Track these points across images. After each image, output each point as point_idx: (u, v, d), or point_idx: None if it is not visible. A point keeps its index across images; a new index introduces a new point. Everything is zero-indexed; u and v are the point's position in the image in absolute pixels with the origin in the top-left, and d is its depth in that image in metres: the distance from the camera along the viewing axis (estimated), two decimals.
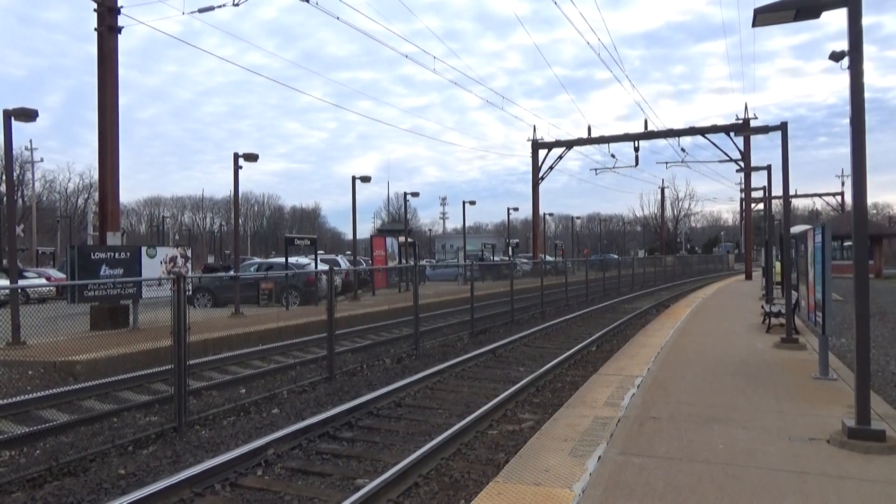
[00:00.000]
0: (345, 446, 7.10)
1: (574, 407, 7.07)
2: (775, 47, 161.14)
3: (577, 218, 80.00)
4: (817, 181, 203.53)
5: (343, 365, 11.80)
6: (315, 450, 6.91)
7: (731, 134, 38.21)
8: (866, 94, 5.60)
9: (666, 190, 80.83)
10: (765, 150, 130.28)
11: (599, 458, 5.23)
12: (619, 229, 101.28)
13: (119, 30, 15.99)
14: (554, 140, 45.65)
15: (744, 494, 4.45)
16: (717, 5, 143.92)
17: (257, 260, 34.95)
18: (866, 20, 5.57)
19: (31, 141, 55.88)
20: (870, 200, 6.06)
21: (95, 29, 15.84)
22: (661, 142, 44.20)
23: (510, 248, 52.77)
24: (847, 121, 5.60)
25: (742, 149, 39.22)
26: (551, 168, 46.31)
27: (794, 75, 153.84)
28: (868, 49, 5.68)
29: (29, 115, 13.73)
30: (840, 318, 15.31)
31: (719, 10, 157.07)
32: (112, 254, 14.70)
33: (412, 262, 30.86)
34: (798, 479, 4.71)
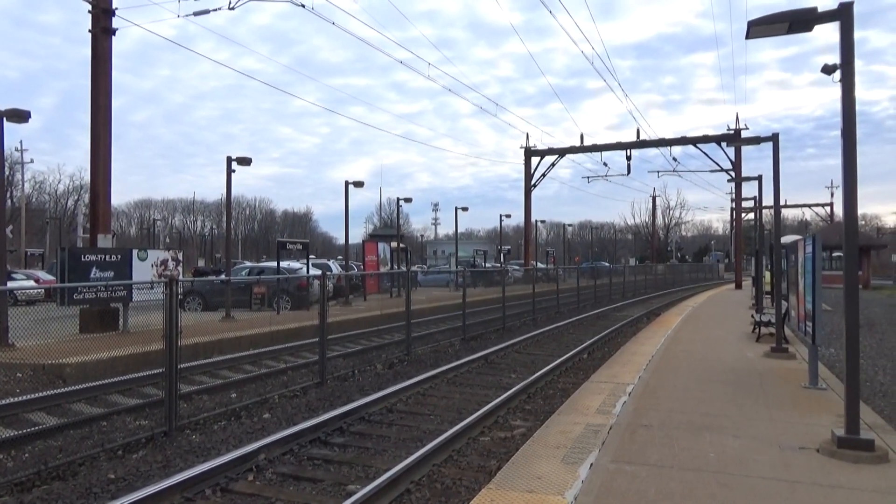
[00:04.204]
0: (336, 452, 7.08)
1: (566, 414, 7.08)
2: (764, 60, 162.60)
3: (569, 225, 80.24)
4: (805, 192, 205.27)
5: (335, 370, 11.77)
6: (307, 455, 6.89)
7: (723, 144, 38.50)
8: None
9: (657, 199, 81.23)
10: (754, 160, 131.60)
11: (591, 465, 5.24)
12: (611, 237, 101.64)
13: (113, 32, 15.95)
14: (546, 148, 45.84)
15: (735, 503, 4.47)
16: (707, 18, 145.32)
17: (248, 264, 34.77)
18: (854, 34, 5.64)
19: (21, 142, 55.56)
20: (858, 211, 6.15)
21: (90, 30, 15.79)
22: (653, 151, 44.60)
23: (502, 255, 52.84)
24: (838, 132, 5.67)
25: (733, 159, 39.53)
26: (543, 175, 46.50)
27: (783, 87, 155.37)
28: (855, 63, 5.76)
29: (21, 116, 13.64)
30: (829, 329, 15.42)
31: (708, 23, 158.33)
32: (102, 256, 14.61)
33: (404, 268, 30.86)
34: (789, 489, 4.74)
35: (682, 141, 41.15)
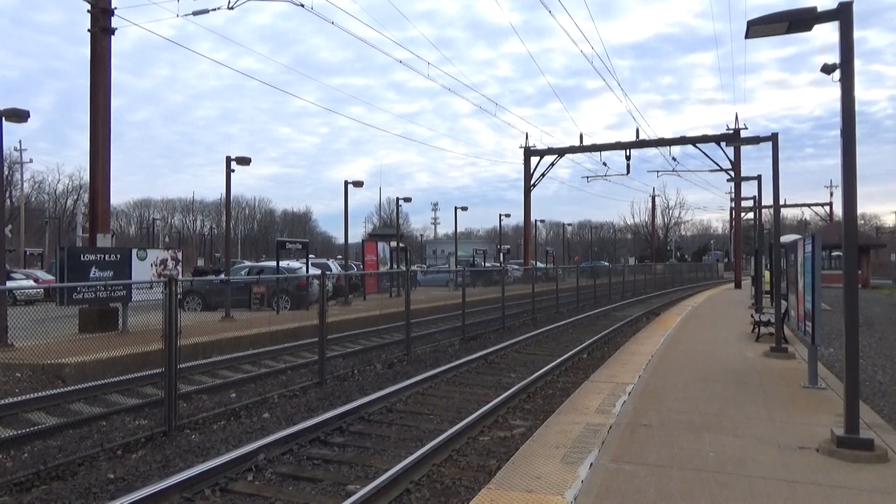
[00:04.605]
0: (336, 452, 7.08)
1: (565, 414, 7.08)
2: (762, 60, 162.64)
3: (568, 225, 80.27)
4: (805, 191, 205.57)
5: (334, 370, 11.77)
6: (306, 455, 6.88)
7: (722, 144, 38.52)
8: None
9: (656, 198, 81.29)
10: (753, 160, 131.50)
11: (591, 465, 5.24)
12: (610, 237, 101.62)
13: (112, 31, 15.94)
14: (546, 147, 45.87)
15: (734, 503, 4.47)
16: (706, 18, 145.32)
17: (248, 264, 34.73)
18: (854, 34, 5.64)
19: (20, 142, 55.58)
20: (858, 211, 6.19)
21: (89, 30, 15.78)
22: (652, 151, 44.64)
23: (501, 255, 52.83)
24: (837, 132, 5.67)
25: (732, 159, 39.55)
26: (543, 175, 46.54)
27: (781, 87, 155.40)
28: (855, 62, 5.78)
29: (20, 115, 13.64)
30: (828, 328, 15.42)
31: (707, 23, 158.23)
32: (102, 256, 14.60)
33: (403, 267, 30.84)
34: (788, 488, 4.74)
35: (682, 141, 41.17)
